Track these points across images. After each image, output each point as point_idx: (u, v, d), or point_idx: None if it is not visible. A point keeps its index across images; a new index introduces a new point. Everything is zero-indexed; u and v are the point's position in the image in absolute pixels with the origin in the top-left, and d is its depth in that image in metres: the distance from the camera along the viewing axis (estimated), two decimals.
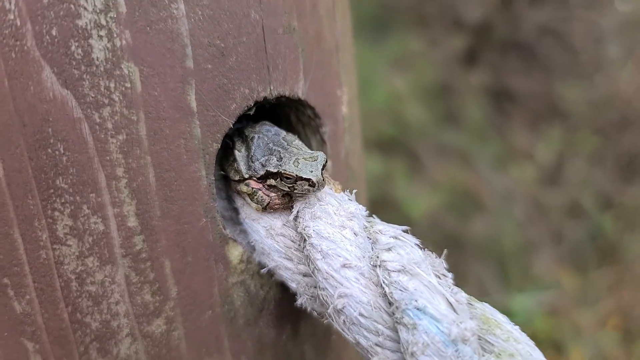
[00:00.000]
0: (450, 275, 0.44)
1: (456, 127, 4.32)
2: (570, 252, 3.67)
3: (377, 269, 0.42)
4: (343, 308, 0.42)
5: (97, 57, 0.42)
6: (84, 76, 0.42)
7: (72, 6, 0.41)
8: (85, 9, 0.41)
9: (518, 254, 3.64)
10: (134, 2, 0.42)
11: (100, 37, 0.42)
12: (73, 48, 0.41)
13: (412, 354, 0.38)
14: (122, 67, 0.42)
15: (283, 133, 0.50)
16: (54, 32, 0.41)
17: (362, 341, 0.41)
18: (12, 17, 0.41)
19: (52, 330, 0.48)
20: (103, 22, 0.41)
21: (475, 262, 3.48)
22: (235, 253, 0.50)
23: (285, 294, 0.53)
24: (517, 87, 4.23)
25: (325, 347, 0.57)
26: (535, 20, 4.20)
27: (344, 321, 0.42)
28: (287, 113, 0.56)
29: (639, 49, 4.37)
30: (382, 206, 3.70)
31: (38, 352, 0.50)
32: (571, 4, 4.32)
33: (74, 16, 0.41)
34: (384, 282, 0.42)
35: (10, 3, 0.41)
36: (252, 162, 0.47)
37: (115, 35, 0.42)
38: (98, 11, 0.41)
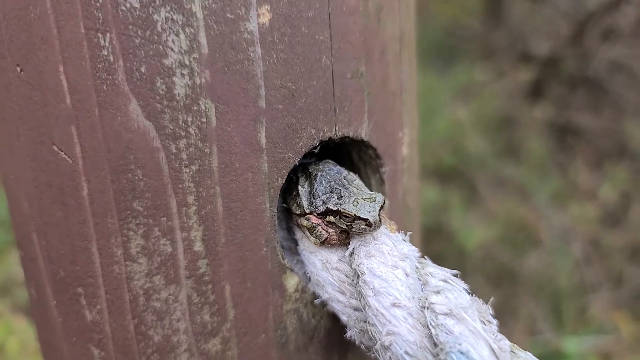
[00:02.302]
0: (495, 322, 0.45)
1: (517, 161, 4.24)
2: (630, 298, 3.51)
3: (425, 311, 0.44)
4: (390, 345, 0.43)
5: (179, 93, 0.46)
6: (165, 110, 0.46)
7: (160, 47, 0.45)
8: (172, 49, 0.45)
9: (573, 294, 3.51)
10: (216, 44, 0.45)
11: (183, 75, 0.45)
12: (158, 84, 0.45)
13: None
14: (200, 103, 0.46)
15: (345, 172, 0.52)
16: (142, 69, 0.45)
17: None
18: (106, 53, 0.46)
19: (118, 340, 0.52)
20: (186, 62, 0.45)
21: (528, 298, 3.38)
22: (291, 282, 0.52)
23: (335, 324, 0.55)
24: (583, 123, 4.12)
25: None
26: (607, 56, 4.09)
27: (389, 357, 0.44)
28: (350, 151, 0.59)
29: None
30: (436, 235, 3.67)
31: (103, 358, 0.53)
32: None
33: (161, 56, 0.45)
34: (430, 324, 0.43)
35: (105, 40, 0.45)
36: (314, 198, 0.50)
37: (196, 74, 0.46)
38: (183, 52, 0.45)
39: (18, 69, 0.49)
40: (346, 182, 0.50)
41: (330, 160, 0.54)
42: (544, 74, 4.35)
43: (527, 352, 0.44)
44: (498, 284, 3.42)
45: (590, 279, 3.62)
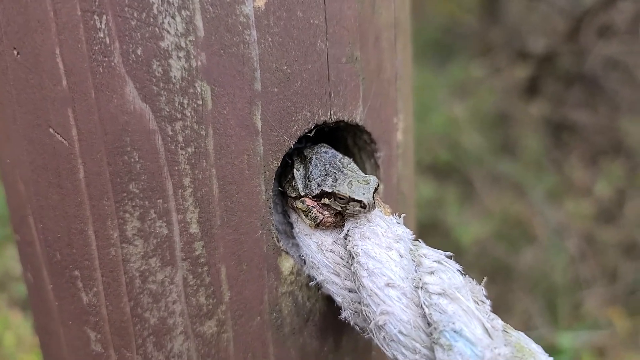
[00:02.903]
0: (488, 302, 0.46)
1: (512, 157, 4.25)
2: (624, 293, 3.53)
3: (419, 291, 0.44)
4: (384, 325, 0.44)
5: (175, 76, 0.46)
6: (162, 92, 0.46)
7: (156, 29, 0.45)
8: (168, 32, 0.45)
9: (568, 290, 3.53)
10: (211, 27, 0.46)
11: (179, 57, 0.46)
12: (154, 66, 0.46)
13: None
14: (196, 85, 0.46)
15: (339, 156, 0.52)
16: (139, 52, 0.46)
17: (400, 357, 0.43)
18: (102, 35, 0.46)
19: (114, 322, 0.52)
20: (183, 44, 0.46)
21: (523, 294, 3.40)
22: (286, 265, 0.53)
23: (330, 307, 0.56)
24: (579, 120, 4.13)
25: None
26: (603, 53, 4.11)
27: (384, 337, 0.44)
28: (345, 136, 0.59)
29: None
30: (432, 230, 3.68)
31: (99, 341, 0.54)
32: None
33: (157, 38, 0.45)
34: (424, 304, 0.44)
35: (101, 23, 0.46)
36: (309, 181, 0.51)
37: (192, 57, 0.46)
38: (179, 35, 0.45)
39: (14, 52, 0.49)
40: (341, 165, 0.51)
41: (325, 144, 0.54)
42: (540, 71, 4.36)
43: (520, 332, 0.44)
44: (493, 279, 3.43)
45: (585, 275, 3.64)
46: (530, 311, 3.21)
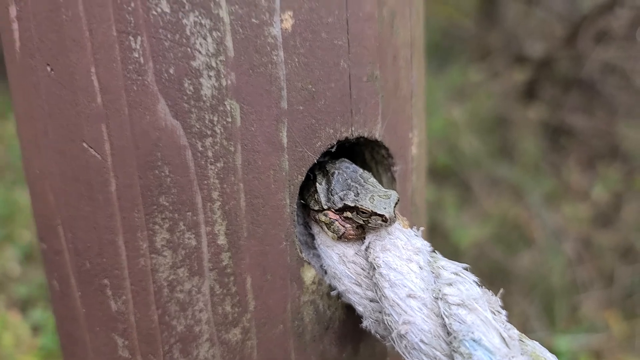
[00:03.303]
0: (504, 312, 0.48)
1: (510, 161, 4.28)
2: (620, 297, 3.56)
3: (439, 301, 0.46)
4: (406, 333, 0.46)
5: (205, 94, 0.48)
6: (193, 110, 0.48)
7: (188, 49, 0.47)
8: (199, 52, 0.47)
9: (565, 293, 3.56)
10: (241, 48, 0.48)
11: (210, 76, 0.48)
12: (186, 85, 0.48)
13: None
14: (226, 103, 0.49)
15: (360, 171, 0.55)
16: (171, 71, 0.48)
17: None
18: (136, 55, 0.48)
19: (142, 329, 0.54)
20: (213, 64, 0.48)
21: (521, 296, 3.43)
22: (308, 275, 0.55)
23: (348, 315, 0.58)
24: (576, 124, 4.17)
25: None
26: (600, 58, 4.14)
27: (405, 345, 0.47)
28: (362, 151, 0.62)
29: None
30: (431, 233, 3.70)
31: (127, 347, 0.56)
32: (638, 42, 4.24)
33: (189, 58, 0.47)
34: (444, 314, 0.46)
35: (136, 43, 0.48)
36: (332, 195, 0.53)
37: (222, 76, 0.48)
38: (210, 55, 0.47)
39: (48, 68, 0.51)
40: (362, 180, 0.53)
41: (346, 159, 0.56)
42: (538, 75, 4.40)
43: (535, 341, 0.46)
44: (491, 282, 3.46)
45: (582, 278, 3.67)
46: (527, 314, 3.24)
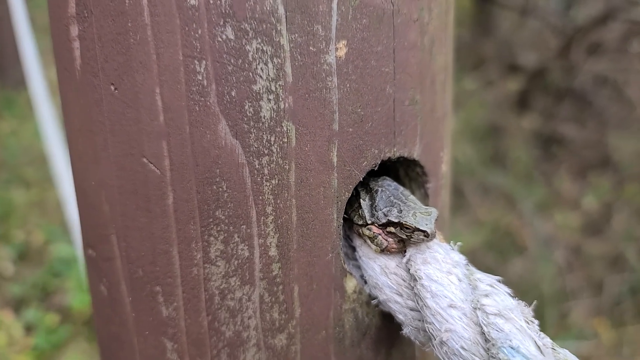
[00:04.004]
0: (536, 322, 0.52)
1: (503, 169, 4.35)
2: (609, 305, 3.63)
3: (477, 311, 0.50)
4: (447, 340, 0.50)
5: (264, 116, 0.52)
6: (252, 130, 0.52)
7: (250, 74, 0.51)
8: (260, 77, 0.51)
9: (555, 300, 3.62)
10: (299, 74, 0.52)
11: (269, 100, 0.51)
12: (246, 107, 0.51)
13: None
14: (283, 125, 0.52)
15: (401, 189, 0.58)
16: (233, 93, 0.51)
17: None
18: (200, 77, 0.51)
19: (191, 334, 0.58)
20: (273, 88, 0.51)
21: None
22: (350, 284, 0.59)
23: (384, 322, 0.62)
24: (568, 134, 4.24)
25: None
26: (593, 70, 4.23)
27: (446, 351, 0.50)
28: (397, 168, 0.66)
29: None
30: None
31: (175, 350, 0.59)
32: (630, 55, 4.33)
33: (250, 82, 0.51)
34: (482, 323, 0.50)
35: (200, 67, 0.51)
36: (375, 211, 0.56)
37: (280, 99, 0.52)
38: (270, 79, 0.51)
39: (112, 87, 0.55)
40: (403, 197, 0.57)
41: (387, 177, 0.60)
42: (531, 85, 4.48)
43: (565, 350, 0.50)
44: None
45: (571, 286, 3.74)
46: None
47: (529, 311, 0.51)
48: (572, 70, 4.26)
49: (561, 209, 4.03)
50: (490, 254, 3.86)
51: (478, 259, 3.83)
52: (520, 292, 3.77)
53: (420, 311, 0.53)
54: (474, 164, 4.39)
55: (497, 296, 0.51)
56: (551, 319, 3.59)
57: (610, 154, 4.07)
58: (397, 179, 0.66)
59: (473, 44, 5.45)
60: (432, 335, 0.51)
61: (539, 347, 0.48)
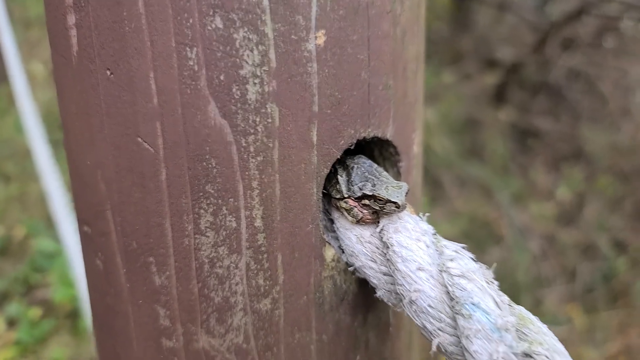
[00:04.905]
0: (496, 282, 0.58)
1: (480, 161, 4.45)
2: (582, 291, 3.75)
3: (443, 273, 0.56)
4: (416, 300, 0.56)
5: (250, 98, 0.57)
6: (239, 111, 0.57)
7: (237, 60, 0.56)
8: (246, 62, 0.56)
9: (530, 287, 3.72)
10: (282, 60, 0.57)
11: (255, 83, 0.56)
12: (234, 90, 0.56)
13: (467, 337, 0.52)
14: (267, 106, 0.57)
15: (375, 165, 0.64)
16: (222, 77, 0.56)
17: (428, 326, 0.55)
18: (191, 63, 0.56)
19: (182, 301, 0.63)
20: (258, 73, 0.56)
21: None
22: (329, 253, 0.64)
23: (360, 289, 0.67)
24: (543, 127, 4.35)
25: (385, 335, 0.71)
26: (567, 64, 4.34)
27: (415, 310, 0.56)
28: (372, 148, 0.71)
29: None
30: None
31: (168, 316, 0.64)
32: (603, 51, 4.45)
33: (238, 67, 0.56)
34: (447, 283, 0.55)
35: (192, 53, 0.56)
36: (352, 185, 0.62)
37: (265, 83, 0.57)
38: (256, 65, 0.56)
39: (108, 72, 0.59)
40: (377, 173, 0.62)
41: (362, 156, 0.66)
42: (508, 79, 4.58)
43: (520, 306, 0.56)
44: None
45: (546, 274, 3.85)
46: None
47: (489, 273, 0.57)
48: (547, 65, 4.36)
49: (536, 200, 4.14)
50: (468, 244, 3.94)
51: None
52: (497, 279, 3.87)
53: (392, 275, 0.59)
54: (452, 156, 4.48)
55: (461, 260, 0.57)
56: (526, 305, 3.68)
57: (582, 147, 4.18)
58: (372, 158, 0.71)
59: (452, 38, 5.54)
60: (403, 295, 0.57)
61: (497, 303, 0.54)
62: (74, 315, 3.52)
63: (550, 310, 3.74)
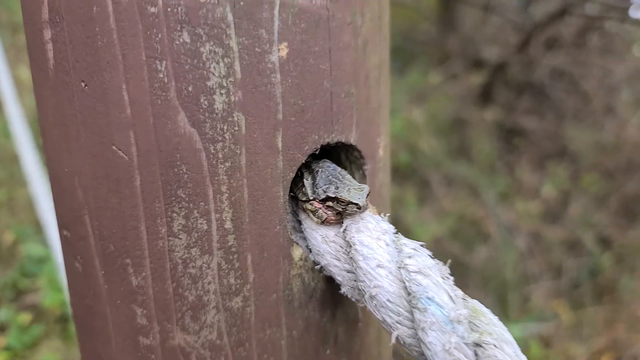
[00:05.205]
0: (451, 278, 0.61)
1: (467, 160, 4.50)
2: (568, 287, 3.80)
3: (401, 270, 0.60)
4: (376, 295, 0.59)
5: (217, 108, 0.60)
6: (207, 120, 0.60)
7: (204, 72, 0.59)
8: (213, 74, 0.59)
9: (518, 284, 3.77)
10: (246, 71, 0.60)
11: (221, 94, 0.60)
12: (202, 100, 0.60)
13: (422, 329, 0.55)
14: (234, 115, 0.61)
15: (338, 169, 0.67)
16: (190, 89, 0.59)
17: (388, 319, 0.58)
18: (161, 75, 0.59)
19: (158, 300, 0.66)
20: (224, 84, 0.60)
21: (476, 288, 3.63)
22: (297, 253, 0.67)
23: (328, 286, 0.71)
24: (528, 126, 4.41)
25: (353, 331, 0.75)
26: (550, 64, 4.39)
27: (375, 305, 0.60)
28: (339, 152, 0.75)
29: None
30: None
31: (145, 315, 0.67)
32: (586, 50, 4.51)
33: (205, 79, 0.59)
34: (405, 279, 0.59)
35: (161, 66, 0.59)
36: (317, 188, 0.65)
37: (231, 93, 0.60)
38: (222, 76, 0.59)
39: (82, 84, 0.62)
40: (340, 177, 0.66)
41: (327, 160, 0.69)
42: (493, 79, 4.63)
43: (474, 300, 0.60)
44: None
45: (532, 270, 3.90)
46: (483, 304, 3.43)
47: (445, 269, 0.61)
48: (531, 65, 4.42)
49: (522, 198, 4.19)
50: (455, 242, 3.99)
51: (444, 247, 3.97)
52: (485, 277, 3.92)
53: (354, 272, 0.62)
54: (440, 156, 4.53)
55: (418, 257, 0.61)
56: (514, 302, 3.74)
57: (567, 145, 4.24)
58: (339, 161, 0.75)
59: (439, 38, 5.59)
60: (364, 291, 0.60)
61: (451, 297, 0.57)
62: (63, 319, 3.53)
63: (537, 307, 3.79)
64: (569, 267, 3.89)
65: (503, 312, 3.67)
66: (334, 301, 0.71)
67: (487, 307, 0.60)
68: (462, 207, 4.20)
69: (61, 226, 0.74)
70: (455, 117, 4.78)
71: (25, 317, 3.45)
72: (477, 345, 0.54)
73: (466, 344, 0.54)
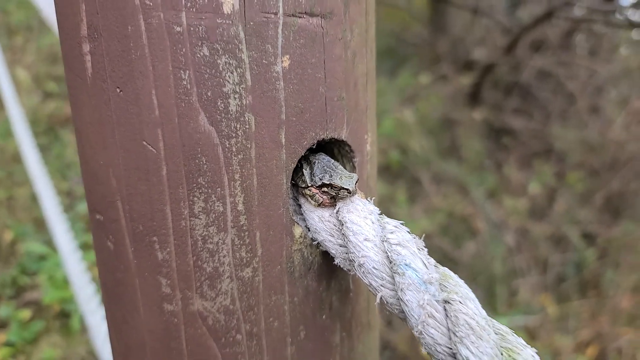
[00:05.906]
0: (425, 249, 0.74)
1: (457, 159, 4.63)
2: (554, 282, 3.93)
3: (384, 243, 0.72)
4: (363, 263, 0.71)
5: (232, 109, 0.72)
6: (223, 120, 0.72)
7: (221, 80, 0.71)
8: (228, 82, 0.72)
9: (505, 278, 3.90)
10: (256, 79, 0.72)
11: (235, 98, 0.72)
12: (219, 103, 0.72)
13: (401, 290, 0.68)
14: (245, 116, 0.73)
15: (332, 161, 0.80)
16: (209, 94, 0.72)
17: (373, 283, 0.71)
18: (185, 82, 0.71)
19: (180, 272, 0.78)
20: (237, 90, 0.72)
21: (465, 283, 3.75)
22: (297, 231, 0.80)
23: (324, 260, 0.83)
24: (516, 125, 4.54)
25: (345, 299, 0.87)
26: (537, 65, 4.54)
27: (363, 272, 0.72)
28: (332, 147, 0.87)
29: (633, 97, 4.67)
30: None
31: (169, 285, 0.79)
32: (572, 52, 4.64)
33: (221, 85, 0.72)
34: (387, 250, 0.71)
35: (185, 75, 0.71)
36: (314, 176, 0.78)
37: (243, 98, 0.72)
38: (235, 83, 0.72)
39: (118, 90, 0.74)
40: (334, 167, 0.78)
41: (322, 153, 0.82)
42: (482, 80, 4.77)
43: (445, 268, 0.73)
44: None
45: (520, 265, 4.03)
46: None
47: (421, 242, 0.73)
48: (518, 66, 4.56)
49: (510, 195, 4.33)
50: (445, 238, 4.13)
51: (434, 243, 4.09)
52: (474, 272, 4.04)
53: (346, 246, 0.75)
54: (430, 155, 4.66)
55: (399, 232, 0.73)
56: (502, 296, 3.87)
57: (553, 143, 4.38)
58: (332, 155, 0.87)
59: (430, 39, 5.72)
60: (354, 261, 0.73)
61: (425, 264, 0.70)
62: (63, 315, 3.61)
63: (524, 300, 3.91)
64: (555, 262, 4.02)
65: (491, 305, 3.80)
66: (329, 273, 0.84)
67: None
68: (451, 204, 4.33)
69: (93, 211, 0.86)
70: (445, 117, 4.91)
71: (25, 314, 3.52)
72: (446, 302, 0.67)
73: (437, 300, 0.67)
